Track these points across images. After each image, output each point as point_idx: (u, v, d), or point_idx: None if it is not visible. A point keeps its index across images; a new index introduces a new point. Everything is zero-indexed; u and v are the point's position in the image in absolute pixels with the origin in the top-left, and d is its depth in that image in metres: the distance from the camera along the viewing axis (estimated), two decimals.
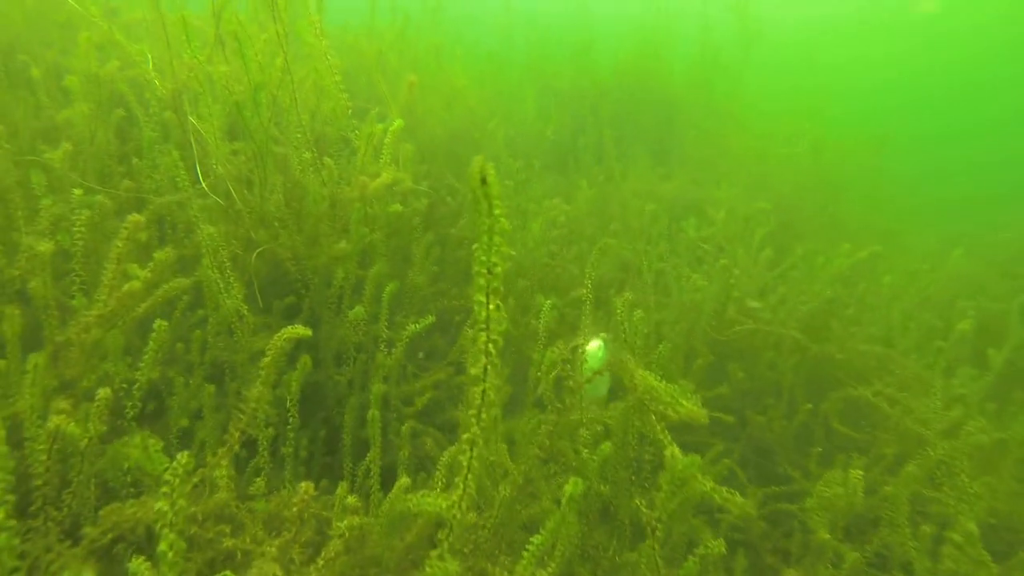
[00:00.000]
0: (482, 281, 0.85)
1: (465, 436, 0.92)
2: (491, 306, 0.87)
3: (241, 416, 1.71)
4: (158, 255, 1.98)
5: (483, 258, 0.83)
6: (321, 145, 3.29)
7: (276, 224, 3.00)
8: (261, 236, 3.04)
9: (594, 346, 2.94)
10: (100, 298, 1.98)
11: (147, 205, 2.85)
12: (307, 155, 3.06)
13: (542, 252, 3.80)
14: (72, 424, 1.41)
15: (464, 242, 3.82)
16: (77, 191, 2.60)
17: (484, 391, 0.91)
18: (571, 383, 2.35)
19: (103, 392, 1.52)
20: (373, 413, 2.12)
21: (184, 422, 2.57)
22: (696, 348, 3.74)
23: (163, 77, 2.72)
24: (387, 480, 2.57)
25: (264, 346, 2.69)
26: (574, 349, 2.80)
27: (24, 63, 3.82)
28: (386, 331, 2.94)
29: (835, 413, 3.41)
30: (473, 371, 0.90)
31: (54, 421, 1.38)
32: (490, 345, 0.89)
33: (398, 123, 3.11)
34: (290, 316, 3.13)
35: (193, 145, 2.84)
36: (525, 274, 3.74)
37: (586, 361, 2.73)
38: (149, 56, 2.89)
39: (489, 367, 0.90)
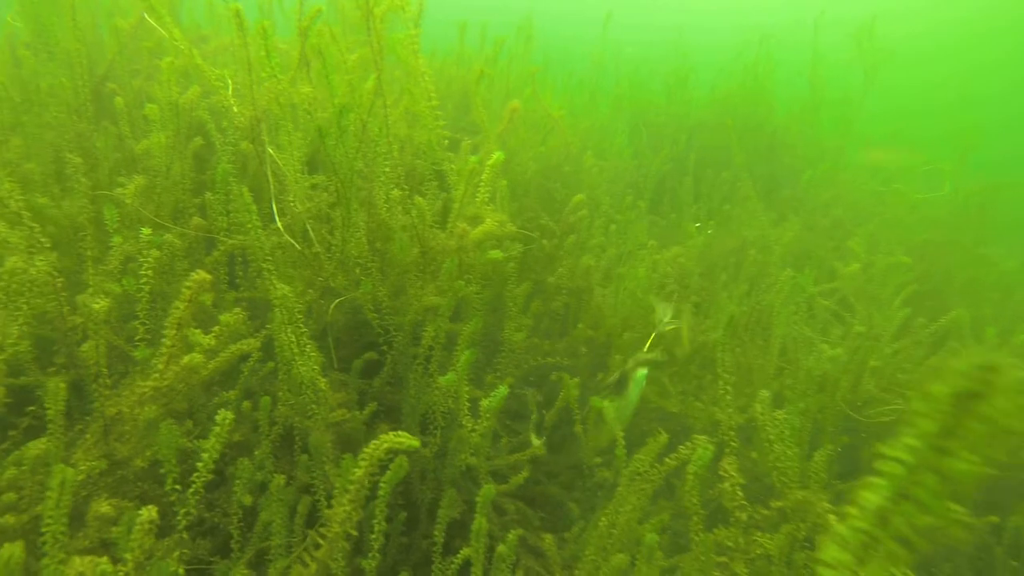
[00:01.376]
0: None
1: None
2: None
3: (321, 542, 1.30)
4: (224, 318, 1.62)
5: None
6: (411, 180, 2.94)
7: (358, 270, 2.65)
8: (340, 282, 2.69)
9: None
10: (157, 368, 1.63)
11: (218, 246, 2.55)
12: (396, 192, 2.71)
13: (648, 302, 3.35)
14: (104, 562, 1.04)
15: (562, 291, 3.38)
16: (145, 230, 2.33)
17: None
18: None
19: (146, 513, 1.14)
20: (479, 523, 1.67)
21: (247, 500, 2.22)
22: (824, 426, 3.15)
23: (242, 103, 2.43)
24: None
25: (341, 416, 2.32)
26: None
27: (112, 91, 3.68)
28: (470, 391, 2.53)
29: None
30: None
31: (77, 566, 1.01)
32: None
33: (498, 156, 2.72)
34: (369, 374, 2.76)
35: (270, 178, 2.53)
36: (630, 326, 3.29)
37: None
38: (229, 81, 2.62)
39: None
